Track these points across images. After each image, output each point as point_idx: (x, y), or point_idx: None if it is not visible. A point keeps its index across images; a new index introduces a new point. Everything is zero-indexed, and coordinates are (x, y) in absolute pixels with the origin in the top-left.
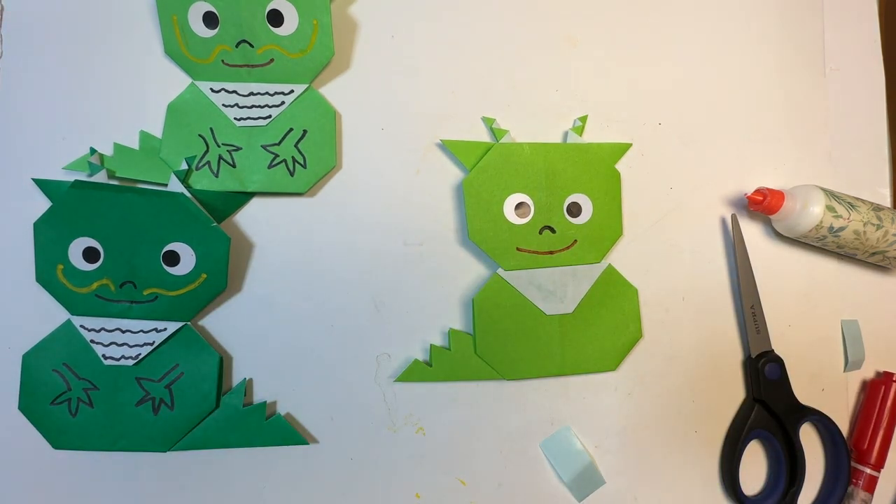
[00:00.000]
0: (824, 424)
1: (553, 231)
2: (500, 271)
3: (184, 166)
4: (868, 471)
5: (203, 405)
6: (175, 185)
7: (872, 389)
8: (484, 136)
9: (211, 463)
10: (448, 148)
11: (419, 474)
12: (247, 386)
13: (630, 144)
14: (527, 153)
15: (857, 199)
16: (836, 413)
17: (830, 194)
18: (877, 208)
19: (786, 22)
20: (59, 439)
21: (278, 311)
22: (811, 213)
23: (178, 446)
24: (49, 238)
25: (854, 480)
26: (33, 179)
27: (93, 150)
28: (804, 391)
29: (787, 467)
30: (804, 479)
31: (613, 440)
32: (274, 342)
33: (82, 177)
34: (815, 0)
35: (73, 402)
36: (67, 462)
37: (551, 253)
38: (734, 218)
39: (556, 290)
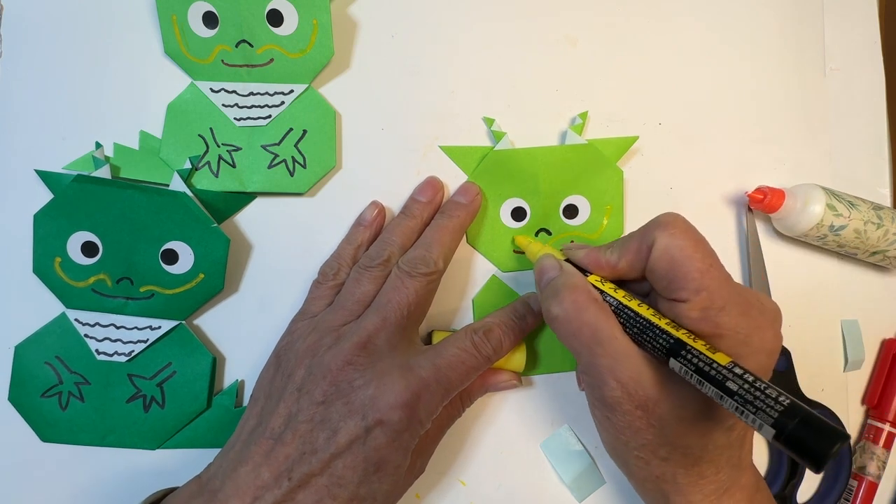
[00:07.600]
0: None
1: (549, 233)
2: (498, 273)
3: (187, 165)
4: (888, 428)
5: (194, 405)
6: (177, 185)
7: (889, 346)
8: (484, 136)
9: (200, 462)
10: (446, 154)
11: None
12: (238, 388)
13: (636, 137)
14: (522, 159)
15: (857, 198)
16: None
17: (831, 193)
18: (877, 207)
19: (786, 22)
20: (47, 432)
21: (275, 312)
22: (811, 211)
23: (167, 444)
24: (48, 230)
25: (871, 437)
26: (36, 171)
27: (98, 145)
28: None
29: (788, 459)
30: (804, 472)
31: None
32: (270, 344)
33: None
34: (815, 0)
35: (63, 396)
36: (55, 455)
37: None
38: (749, 213)
39: None
